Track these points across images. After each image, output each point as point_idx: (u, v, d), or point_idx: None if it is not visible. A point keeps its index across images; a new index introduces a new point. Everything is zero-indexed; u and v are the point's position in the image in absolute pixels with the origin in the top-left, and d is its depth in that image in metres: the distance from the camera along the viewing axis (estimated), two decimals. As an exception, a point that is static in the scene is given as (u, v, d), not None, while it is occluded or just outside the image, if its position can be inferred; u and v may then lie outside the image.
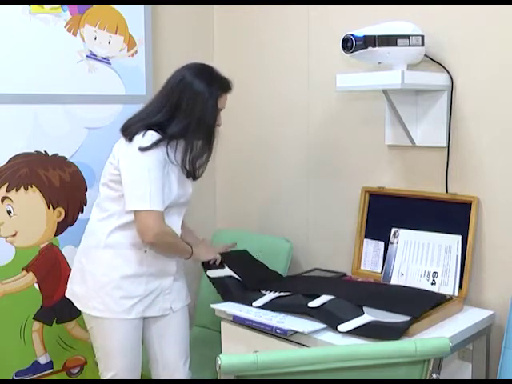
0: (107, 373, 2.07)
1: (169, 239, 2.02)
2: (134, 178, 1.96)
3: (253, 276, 2.22)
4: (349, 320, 1.83)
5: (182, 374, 2.16)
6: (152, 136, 1.96)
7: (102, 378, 2.09)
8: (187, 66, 2.08)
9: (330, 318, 1.87)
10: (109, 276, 2.02)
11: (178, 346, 2.16)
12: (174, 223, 2.08)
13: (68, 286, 2.15)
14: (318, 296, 1.99)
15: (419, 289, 2.09)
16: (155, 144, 1.95)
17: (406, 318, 1.82)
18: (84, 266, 2.08)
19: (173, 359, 2.15)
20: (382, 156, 2.36)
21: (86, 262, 2.08)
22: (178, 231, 2.11)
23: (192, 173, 2.09)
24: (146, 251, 2.03)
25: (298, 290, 2.08)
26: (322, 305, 1.94)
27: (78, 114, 2.43)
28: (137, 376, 2.11)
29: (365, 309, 1.90)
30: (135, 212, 1.95)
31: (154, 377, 2.18)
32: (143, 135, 1.96)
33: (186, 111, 2.00)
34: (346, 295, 2.00)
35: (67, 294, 2.15)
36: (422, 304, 1.93)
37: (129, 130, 2.01)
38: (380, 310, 1.89)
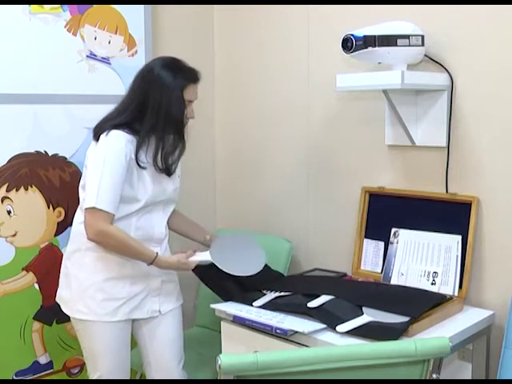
0: (94, 373, 2.08)
1: (111, 242, 1.95)
2: (91, 175, 1.96)
3: (254, 277, 2.21)
4: (348, 320, 1.83)
5: (176, 374, 2.14)
6: (115, 135, 1.95)
7: (90, 378, 2.10)
8: (155, 59, 2.07)
9: (329, 318, 1.87)
10: (91, 279, 2.01)
11: (170, 348, 2.14)
12: (157, 221, 2.08)
13: (57, 290, 2.15)
14: (317, 296, 2.00)
15: (419, 289, 2.09)
16: (116, 144, 1.94)
17: (405, 319, 1.82)
18: (68, 270, 2.08)
19: (165, 361, 2.14)
20: (382, 156, 2.36)
21: (69, 266, 2.08)
22: (162, 229, 2.10)
23: (165, 170, 2.04)
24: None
25: (298, 290, 2.08)
26: (321, 305, 1.94)
27: (78, 114, 2.43)
28: (125, 376, 2.10)
29: (364, 309, 1.90)
30: (85, 209, 1.95)
31: (149, 378, 2.17)
32: (106, 134, 1.96)
33: (153, 106, 1.97)
34: (345, 295, 2.00)
35: (56, 299, 2.15)
36: (421, 304, 1.93)
37: (96, 130, 2.01)
38: (379, 310, 1.89)
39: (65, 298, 2.09)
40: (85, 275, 2.02)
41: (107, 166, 1.93)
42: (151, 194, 2.03)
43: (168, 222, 2.16)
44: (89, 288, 2.01)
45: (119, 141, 1.95)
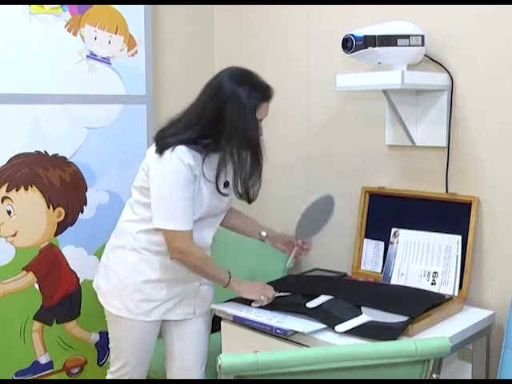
0: (117, 361, 2.10)
1: (194, 261, 1.97)
2: (162, 196, 1.93)
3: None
4: (347, 320, 1.83)
5: (196, 375, 2.14)
6: (181, 152, 1.90)
7: (112, 364, 2.12)
8: (225, 71, 1.97)
9: (328, 317, 1.87)
10: (131, 279, 2.02)
11: (197, 349, 2.14)
12: (207, 233, 2.06)
13: (95, 276, 2.16)
14: (317, 296, 2.00)
15: (418, 289, 2.09)
16: (183, 161, 1.89)
17: (404, 319, 1.82)
18: (109, 262, 2.09)
19: (190, 361, 2.14)
20: (382, 156, 2.36)
21: (111, 259, 2.09)
22: (209, 239, 2.09)
23: (245, 195, 2.01)
24: (172, 258, 2.00)
25: (297, 290, 2.09)
26: (320, 305, 1.95)
27: (78, 114, 2.43)
28: (145, 369, 2.13)
29: (363, 309, 1.90)
30: (163, 230, 1.94)
31: (169, 376, 2.17)
32: (172, 150, 1.90)
33: (229, 126, 1.89)
34: (344, 295, 2.00)
35: (93, 285, 2.16)
36: (420, 304, 1.93)
37: (162, 142, 1.95)
38: (378, 310, 1.89)
39: (102, 289, 2.10)
40: (125, 274, 2.03)
41: (177, 185, 1.90)
42: (205, 211, 2.00)
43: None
44: (127, 287, 2.01)
45: (186, 158, 1.90)
